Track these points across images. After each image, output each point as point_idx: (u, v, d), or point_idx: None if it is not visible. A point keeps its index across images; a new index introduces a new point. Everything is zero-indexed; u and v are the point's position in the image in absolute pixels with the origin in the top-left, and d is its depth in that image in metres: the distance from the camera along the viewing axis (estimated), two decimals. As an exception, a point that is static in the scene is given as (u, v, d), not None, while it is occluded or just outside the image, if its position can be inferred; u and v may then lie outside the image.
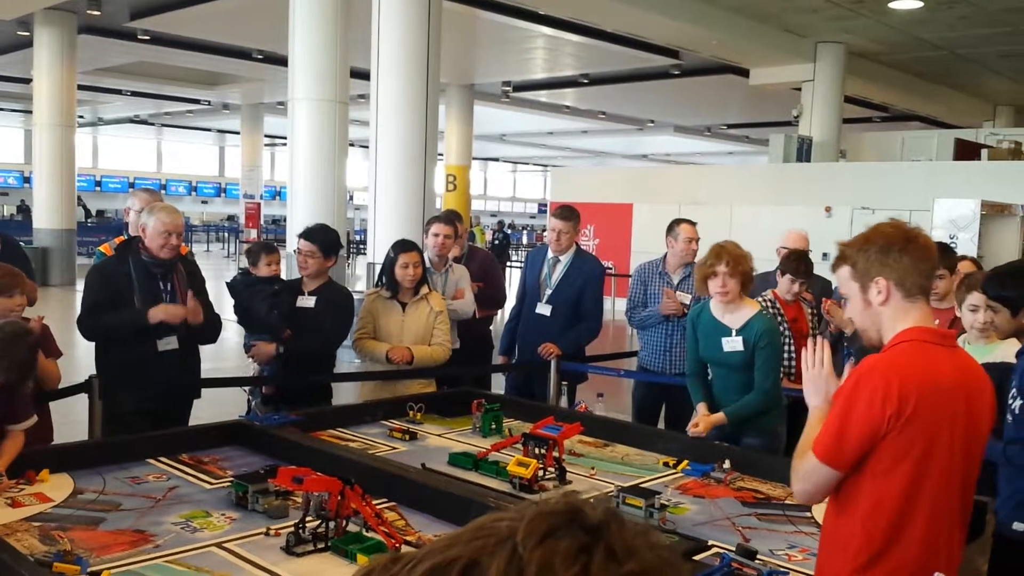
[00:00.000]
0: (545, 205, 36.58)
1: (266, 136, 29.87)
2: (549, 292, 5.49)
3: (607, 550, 0.70)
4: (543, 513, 0.73)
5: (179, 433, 3.86)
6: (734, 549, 2.50)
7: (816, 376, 2.29)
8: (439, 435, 4.03)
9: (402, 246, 4.85)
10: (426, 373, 4.87)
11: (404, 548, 2.49)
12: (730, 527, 2.89)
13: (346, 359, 5.91)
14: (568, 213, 5.51)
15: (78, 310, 4.26)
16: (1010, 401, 2.90)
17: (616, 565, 0.69)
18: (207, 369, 4.73)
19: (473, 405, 4.16)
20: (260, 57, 18.80)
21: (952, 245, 9.75)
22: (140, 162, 39.48)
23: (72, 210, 17.84)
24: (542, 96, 23.76)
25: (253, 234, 26.34)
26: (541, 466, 3.23)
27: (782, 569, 2.45)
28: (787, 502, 3.12)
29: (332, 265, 4.86)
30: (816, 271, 5.28)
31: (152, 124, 34.02)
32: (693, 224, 5.43)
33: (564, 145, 36.31)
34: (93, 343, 4.32)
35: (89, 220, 28.89)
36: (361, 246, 20.45)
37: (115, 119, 33.24)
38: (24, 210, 28.21)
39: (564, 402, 5.16)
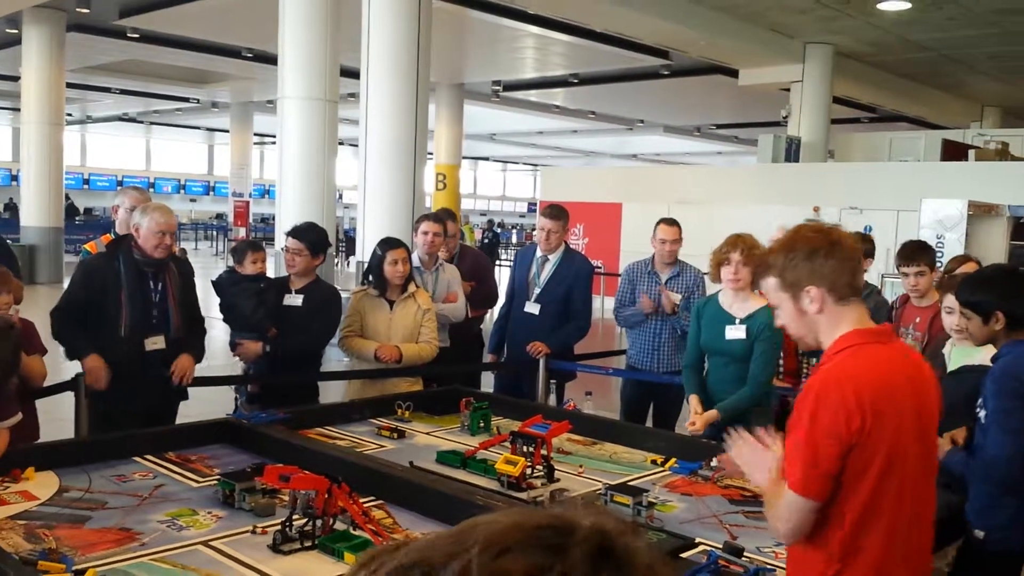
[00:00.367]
0: (535, 204, 36.61)
1: (255, 135, 29.79)
2: (538, 291, 5.49)
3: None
4: (510, 527, 0.72)
5: (166, 431, 3.85)
6: (721, 547, 2.51)
7: (750, 455, 2.18)
8: (427, 433, 4.02)
9: (389, 243, 4.85)
10: (414, 371, 4.87)
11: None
12: (717, 525, 2.89)
13: (334, 357, 5.90)
14: (558, 212, 5.51)
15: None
16: (977, 409, 2.90)
17: None
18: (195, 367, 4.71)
19: (461, 403, 4.15)
20: (250, 55, 18.73)
21: (939, 245, 9.82)
22: (129, 160, 39.28)
23: (60, 208, 17.76)
24: (532, 96, 23.76)
25: (242, 232, 26.27)
26: (529, 464, 3.23)
27: (769, 566, 2.46)
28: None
29: (320, 264, 4.86)
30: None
31: (141, 122, 33.86)
32: (672, 225, 5.37)
33: (554, 145, 36.32)
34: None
35: (77, 218, 28.75)
36: (342, 244, 20.41)
37: (104, 117, 33.07)
38: (11, 208, 28.07)
39: (552, 400, 5.16)
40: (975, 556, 2.90)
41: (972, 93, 20.17)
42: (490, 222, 29.32)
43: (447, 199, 21.90)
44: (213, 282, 4.88)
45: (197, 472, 3.29)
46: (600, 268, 13.30)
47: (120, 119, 33.00)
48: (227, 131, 29.50)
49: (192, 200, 40.34)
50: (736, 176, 16.41)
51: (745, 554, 2.46)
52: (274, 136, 11.06)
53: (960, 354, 3.52)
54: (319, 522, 2.59)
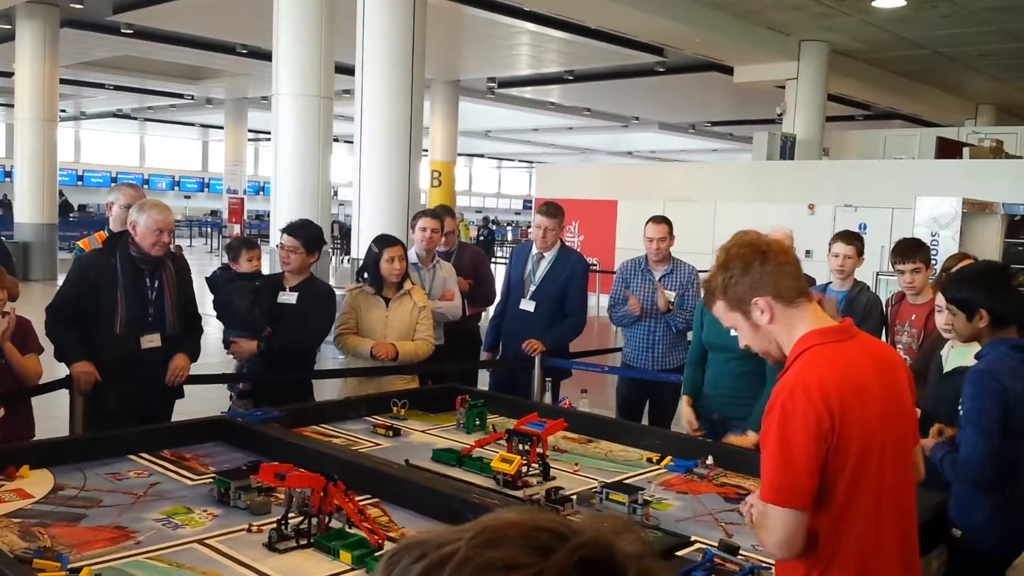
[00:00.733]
0: (530, 201, 36.58)
1: (250, 131, 29.73)
2: (533, 288, 5.49)
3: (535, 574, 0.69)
4: (510, 523, 0.73)
5: (161, 429, 3.84)
6: (716, 545, 2.51)
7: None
8: (423, 431, 4.02)
9: (385, 241, 4.83)
10: (409, 369, 4.86)
11: (387, 544, 2.48)
12: (713, 523, 2.90)
13: (329, 355, 5.89)
14: (553, 210, 5.51)
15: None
16: (959, 408, 2.89)
17: None
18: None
19: (457, 401, 4.15)
20: (244, 52, 18.68)
21: (934, 243, 9.85)
22: (123, 157, 39.22)
23: (54, 205, 17.71)
24: (527, 92, 23.77)
25: (236, 229, 26.22)
26: (525, 462, 3.23)
27: (764, 564, 2.46)
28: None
29: (315, 261, 4.85)
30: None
31: (135, 118, 33.79)
32: (660, 223, 5.31)
33: (549, 142, 36.32)
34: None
35: (71, 215, 28.69)
36: (336, 241, 20.38)
37: (97, 113, 32.98)
38: (5, 204, 27.99)
39: (548, 398, 5.16)
40: (956, 555, 2.90)
41: (967, 91, 20.21)
42: (485, 219, 29.33)
43: (442, 196, 21.89)
44: (207, 279, 4.85)
45: (192, 470, 3.29)
46: (595, 265, 13.32)
47: (114, 115, 32.93)
48: (221, 127, 29.43)
49: (186, 197, 40.28)
50: (731, 173, 16.41)
51: (740, 552, 2.46)
52: (269, 132, 11.04)
53: (957, 355, 3.52)
54: (315, 520, 2.59)
